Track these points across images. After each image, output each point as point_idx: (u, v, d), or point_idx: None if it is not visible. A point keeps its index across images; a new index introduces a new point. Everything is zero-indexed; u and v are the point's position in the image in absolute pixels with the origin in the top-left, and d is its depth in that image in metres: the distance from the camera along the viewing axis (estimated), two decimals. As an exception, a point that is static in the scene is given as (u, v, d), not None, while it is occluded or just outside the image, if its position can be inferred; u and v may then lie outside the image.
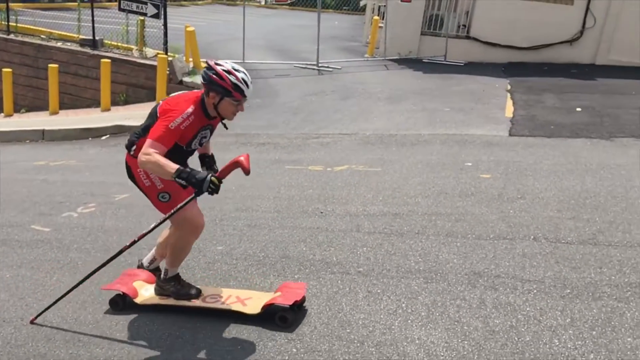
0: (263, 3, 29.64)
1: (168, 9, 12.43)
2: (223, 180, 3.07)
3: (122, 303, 3.57)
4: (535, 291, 3.62)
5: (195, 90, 3.33)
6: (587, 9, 13.49)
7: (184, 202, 3.18)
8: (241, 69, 3.18)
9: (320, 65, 12.96)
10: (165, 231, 3.61)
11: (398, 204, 5.30)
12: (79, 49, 12.70)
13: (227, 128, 3.40)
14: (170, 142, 3.06)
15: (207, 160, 3.57)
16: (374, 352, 3.05)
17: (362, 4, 21.56)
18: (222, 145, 8.11)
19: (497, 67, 13.14)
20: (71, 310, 3.59)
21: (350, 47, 16.04)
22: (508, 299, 3.54)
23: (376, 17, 15.11)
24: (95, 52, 12.40)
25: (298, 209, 5.27)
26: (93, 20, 12.59)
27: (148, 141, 3.05)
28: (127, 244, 3.37)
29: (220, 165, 3.37)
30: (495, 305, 3.48)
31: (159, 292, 3.59)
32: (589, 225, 4.62)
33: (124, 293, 3.55)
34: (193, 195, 3.15)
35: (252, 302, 3.44)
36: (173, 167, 2.98)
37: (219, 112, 3.21)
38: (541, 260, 4.06)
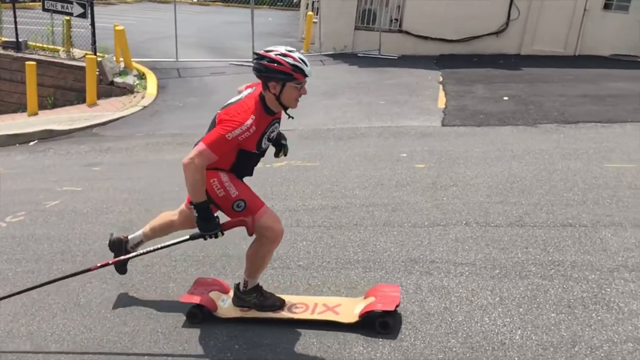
0: (195, 0, 29.13)
1: (95, 8, 12.06)
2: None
3: (200, 315, 3.37)
4: (467, 273, 3.79)
5: (251, 93, 3.10)
6: (511, 1, 14.08)
7: (174, 242, 3.27)
8: (293, 49, 3.03)
9: (256, 62, 12.91)
10: (164, 214, 3.60)
11: (336, 197, 5.38)
12: (2, 51, 12.13)
13: (292, 118, 3.19)
14: (222, 151, 2.94)
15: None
16: (315, 343, 3.12)
17: (295, -1, 21.58)
18: (157, 145, 7.98)
19: (430, 60, 13.52)
20: (3, 322, 3.46)
21: (286, 43, 15.75)
22: (442, 282, 3.68)
23: (310, 13, 15.20)
24: (19, 55, 11.89)
25: (237, 207, 5.26)
26: (15, 22, 12.07)
27: (200, 145, 2.91)
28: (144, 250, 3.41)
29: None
30: (430, 289, 3.61)
31: (239, 303, 3.42)
32: (515, 208, 4.86)
33: (202, 305, 3.36)
34: (188, 237, 3.15)
35: (344, 309, 3.32)
36: (202, 194, 2.96)
37: (282, 103, 3.01)
38: (472, 243, 4.24)
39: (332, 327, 3.21)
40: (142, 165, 7.02)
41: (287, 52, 2.97)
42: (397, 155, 6.70)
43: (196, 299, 3.38)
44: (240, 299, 3.40)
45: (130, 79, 11.54)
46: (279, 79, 2.95)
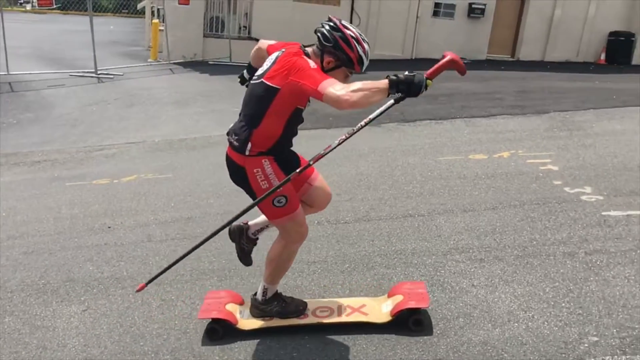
0: (29, 8, 26.82)
1: None
2: None
3: (221, 331, 3.11)
4: (319, 270, 3.94)
5: (290, 46, 2.82)
6: (352, 8, 14.87)
7: (380, 112, 2.69)
8: (365, 37, 2.83)
9: (99, 72, 12.24)
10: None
11: (190, 208, 5.29)
12: None
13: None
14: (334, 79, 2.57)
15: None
16: (168, 359, 3.04)
17: (139, 6, 20.77)
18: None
19: (280, 66, 13.78)
20: None
21: (132, 52, 15.41)
22: (296, 282, 3.79)
23: (156, 21, 14.74)
24: None
25: (83, 227, 4.95)
26: None
27: (322, 86, 2.50)
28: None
29: None
30: (285, 289, 3.69)
31: (259, 314, 3.17)
32: (363, 204, 5.16)
33: (223, 320, 3.10)
34: (392, 103, 2.64)
35: (370, 309, 3.20)
36: (382, 82, 2.48)
37: None
38: (324, 241, 4.42)
39: (357, 329, 3.12)
40: (-30, 191, 6.32)
41: (362, 39, 2.82)
42: (250, 162, 6.75)
43: (215, 314, 3.14)
44: (259, 309, 3.20)
45: (-49, 96, 10.32)
46: (339, 59, 2.80)
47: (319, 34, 2.82)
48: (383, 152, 6.83)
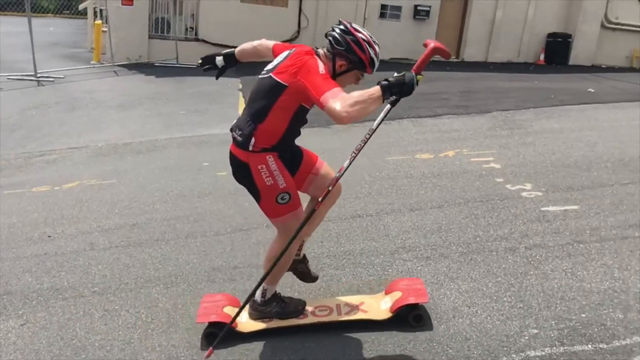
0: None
1: None
2: None
3: (219, 334, 2.94)
4: (268, 274, 3.92)
5: (300, 46, 2.87)
6: (300, 10, 14.89)
7: (381, 119, 2.73)
8: (376, 40, 2.85)
9: (39, 75, 11.77)
10: (308, 205, 3.13)
11: (135, 214, 5.16)
12: None
13: None
14: (335, 84, 2.60)
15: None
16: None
17: (81, 7, 20.15)
18: None
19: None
20: None
21: (75, 54, 14.93)
22: (244, 286, 3.75)
23: (98, 22, 14.32)
24: None
25: (21, 237, 4.75)
26: None
27: (325, 97, 2.51)
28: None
29: None
30: (234, 294, 3.66)
31: (258, 316, 3.13)
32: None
33: (224, 323, 2.97)
34: (389, 107, 2.66)
35: (369, 306, 3.20)
36: (376, 90, 2.50)
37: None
38: (273, 244, 4.39)
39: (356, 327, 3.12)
40: None
41: (372, 42, 2.83)
42: (199, 165, 6.66)
43: (214, 317, 3.03)
44: (258, 311, 3.15)
45: None
46: (351, 61, 2.81)
47: (330, 38, 2.85)
48: (332, 154, 6.84)
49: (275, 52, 3.03)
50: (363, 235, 4.49)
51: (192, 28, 14.55)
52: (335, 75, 2.82)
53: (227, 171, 6.28)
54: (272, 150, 2.84)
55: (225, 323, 3.00)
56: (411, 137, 7.63)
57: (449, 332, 3.11)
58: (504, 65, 16.42)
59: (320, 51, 2.88)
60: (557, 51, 16.95)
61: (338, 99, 2.49)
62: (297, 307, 3.21)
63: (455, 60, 17.07)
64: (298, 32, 14.96)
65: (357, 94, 2.50)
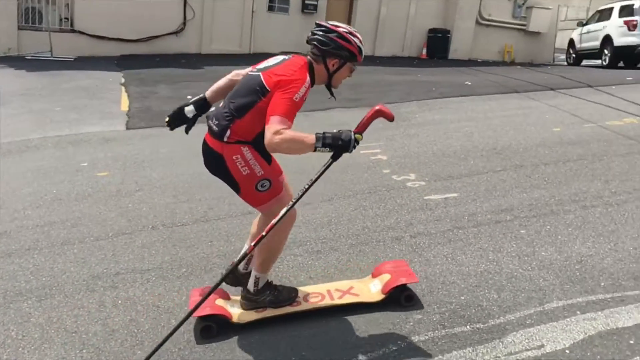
0: None
1: None
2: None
3: (215, 328, 3.02)
4: (154, 278, 3.74)
5: (294, 57, 2.92)
6: (185, 2, 14.43)
7: (321, 171, 2.81)
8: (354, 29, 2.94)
9: None
10: (256, 220, 3.14)
11: (4, 222, 4.71)
12: None
13: (335, 99, 3.08)
14: (294, 116, 2.66)
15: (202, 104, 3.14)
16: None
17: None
18: None
19: (110, 61, 12.94)
20: None
21: None
22: (128, 293, 3.56)
23: (-43, 10, 12.94)
24: None
25: None
26: None
27: (274, 118, 2.61)
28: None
29: None
30: (115, 303, 3.45)
31: (251, 306, 3.14)
32: (200, 204, 5.01)
33: (221, 315, 3.02)
34: (330, 161, 2.76)
35: (359, 290, 3.31)
36: (310, 137, 2.61)
37: (331, 81, 2.93)
38: (160, 246, 4.21)
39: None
40: None
41: (354, 31, 2.91)
42: (77, 166, 6.22)
43: (209, 310, 2.99)
44: (252, 300, 3.15)
45: None
46: (342, 57, 2.88)
47: (314, 42, 2.91)
48: (221, 149, 6.72)
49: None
50: (253, 232, 4.42)
51: (67, 18, 13.58)
52: (330, 75, 2.93)
53: (108, 171, 6.00)
54: (246, 143, 2.85)
55: (222, 315, 3.04)
56: (303, 131, 7.65)
57: (339, 325, 3.15)
58: (390, 59, 17.03)
59: (309, 58, 2.94)
60: (437, 46, 17.87)
61: (279, 126, 2.60)
62: (290, 294, 3.22)
63: (344, 54, 17.42)
64: (184, 24, 14.51)
65: (295, 134, 2.63)
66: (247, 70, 3.05)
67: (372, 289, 3.35)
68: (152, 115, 8.57)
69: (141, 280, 3.72)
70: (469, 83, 12.17)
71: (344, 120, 8.37)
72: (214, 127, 2.87)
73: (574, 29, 19.02)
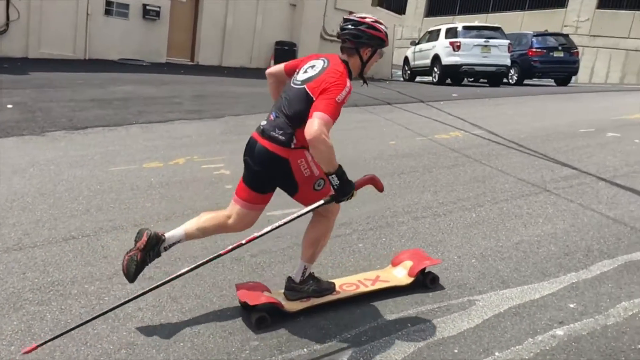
0: None
1: None
2: None
3: (269, 318, 3.17)
4: (-52, 323, 3.17)
5: (332, 60, 3.15)
6: (8, 2, 12.99)
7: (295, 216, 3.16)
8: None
9: None
10: (211, 215, 3.40)
11: None
12: None
13: (367, 85, 3.44)
14: (336, 118, 2.90)
15: None
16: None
17: None
18: None
19: None
20: None
21: None
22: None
23: None
24: None
25: None
26: None
27: (322, 117, 2.81)
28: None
29: None
30: None
31: (296, 296, 3.37)
32: (15, 230, 4.42)
33: (275, 304, 3.20)
34: (329, 198, 3.09)
35: (387, 277, 3.68)
36: (336, 162, 2.90)
37: (363, 70, 3.20)
38: (-41, 283, 3.60)
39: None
40: None
41: (377, 19, 3.16)
42: None
43: (264, 299, 3.19)
44: (296, 290, 3.38)
45: None
46: (373, 45, 3.13)
47: (347, 37, 3.15)
48: (45, 165, 6.05)
49: (287, 70, 3.33)
50: (77, 259, 3.99)
51: None
52: (364, 63, 3.18)
53: None
54: (306, 148, 3.08)
55: (275, 303, 3.22)
56: (139, 145, 7.20)
57: (168, 358, 2.91)
58: (237, 70, 16.92)
59: (344, 58, 3.17)
60: (285, 58, 18.05)
61: (325, 122, 2.82)
62: (329, 285, 3.48)
63: (190, 63, 16.98)
64: (7, 24, 13.03)
65: (332, 145, 2.85)
66: (279, 68, 3.38)
67: (398, 275, 3.71)
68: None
69: (28, 307, 3.14)
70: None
71: (186, 132, 8.06)
72: (281, 137, 3.10)
73: (408, 47, 20.54)
